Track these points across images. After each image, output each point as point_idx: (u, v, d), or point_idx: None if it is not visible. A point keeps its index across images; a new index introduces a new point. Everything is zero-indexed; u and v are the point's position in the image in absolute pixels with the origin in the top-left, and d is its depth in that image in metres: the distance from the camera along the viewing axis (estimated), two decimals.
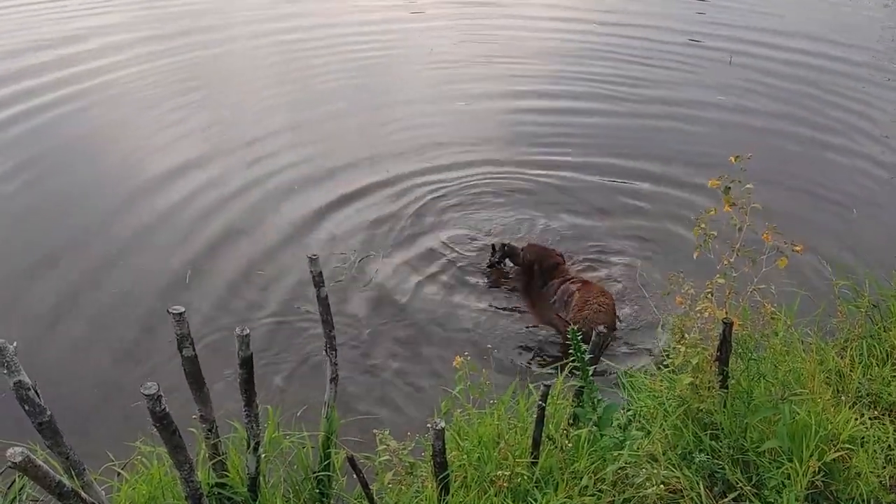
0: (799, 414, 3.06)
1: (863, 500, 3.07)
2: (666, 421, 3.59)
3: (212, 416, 3.11)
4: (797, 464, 3.00)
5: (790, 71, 11.48)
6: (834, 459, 3.09)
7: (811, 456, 2.96)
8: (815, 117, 9.68)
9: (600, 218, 7.20)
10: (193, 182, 7.72)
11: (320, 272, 3.37)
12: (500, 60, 11.89)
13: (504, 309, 5.80)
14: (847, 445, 2.96)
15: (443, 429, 2.70)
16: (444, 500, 2.81)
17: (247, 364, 2.96)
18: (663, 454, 3.46)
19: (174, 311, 2.84)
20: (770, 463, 3.15)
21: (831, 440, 2.97)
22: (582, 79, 11.00)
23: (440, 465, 2.76)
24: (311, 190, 7.59)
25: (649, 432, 3.72)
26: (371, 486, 3.22)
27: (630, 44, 12.68)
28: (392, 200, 7.44)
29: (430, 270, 6.29)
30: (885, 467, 3.30)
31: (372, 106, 10.07)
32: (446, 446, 3.14)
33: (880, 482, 3.22)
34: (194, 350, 2.95)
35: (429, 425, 2.72)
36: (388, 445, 3.20)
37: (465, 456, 3.07)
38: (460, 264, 6.39)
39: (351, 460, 2.65)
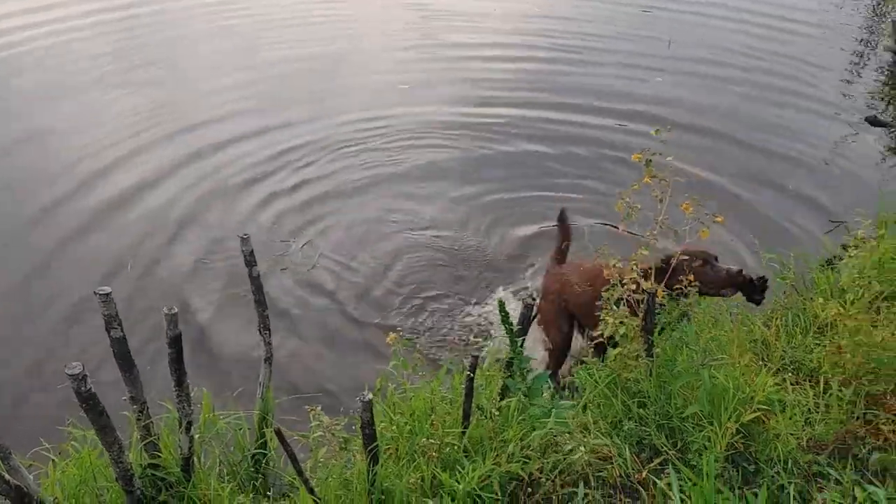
0: (718, 379, 3.16)
1: (780, 460, 3.18)
2: (596, 391, 3.70)
3: (142, 398, 3.11)
4: (717, 427, 3.10)
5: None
6: (753, 421, 3.20)
7: (729, 419, 3.06)
8: (757, 85, 9.84)
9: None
10: (137, 168, 7.62)
11: (251, 251, 3.38)
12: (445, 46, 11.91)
13: (446, 288, 5.87)
14: (763, 407, 3.06)
15: (370, 401, 2.73)
16: (373, 470, 2.85)
17: (175, 343, 2.96)
18: (594, 423, 3.56)
19: (100, 292, 2.84)
20: (693, 427, 3.24)
21: (748, 403, 3.07)
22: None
23: (369, 436, 2.80)
24: (257, 176, 7.56)
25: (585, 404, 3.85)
26: (305, 463, 3.26)
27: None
28: (334, 186, 7.46)
29: (373, 251, 6.34)
30: (804, 429, 3.43)
31: (321, 90, 10.03)
32: (380, 421, 3.20)
33: (798, 443, 3.35)
34: (122, 331, 2.94)
35: (357, 398, 2.76)
36: (321, 421, 3.24)
37: (395, 428, 3.11)
38: (405, 245, 6.44)
39: (278, 433, 2.67)
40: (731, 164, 7.82)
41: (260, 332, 3.57)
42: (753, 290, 4.12)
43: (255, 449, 3.57)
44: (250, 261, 3.38)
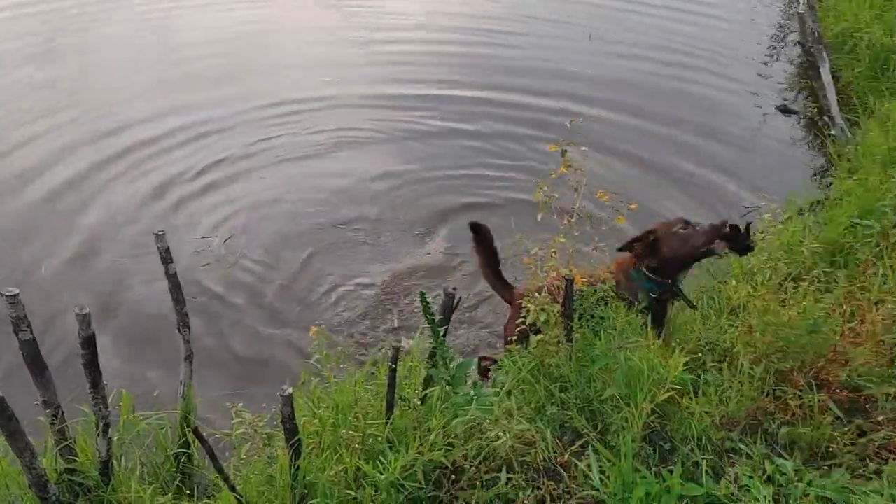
0: (633, 361, 3.25)
1: (694, 438, 3.30)
2: (521, 376, 3.77)
3: (55, 401, 3.03)
4: (634, 408, 3.19)
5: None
6: (669, 402, 3.30)
7: (644, 399, 3.15)
8: (676, 73, 10.09)
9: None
10: (35, 153, 7.41)
11: (167, 248, 3.33)
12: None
13: (369, 279, 5.88)
14: (676, 387, 3.16)
15: (290, 395, 2.73)
16: (295, 465, 2.85)
17: (88, 344, 2.89)
18: (518, 409, 3.62)
19: (7, 294, 2.75)
20: (612, 409, 3.33)
21: (662, 384, 3.17)
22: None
23: (290, 431, 2.79)
24: (173, 172, 7.39)
25: (510, 391, 3.91)
26: (229, 461, 3.24)
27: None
28: (254, 174, 7.39)
29: (296, 243, 6.31)
30: (717, 407, 3.56)
31: (237, 73, 9.85)
32: (303, 415, 3.19)
33: (712, 421, 3.48)
34: (32, 333, 2.86)
35: (278, 393, 2.75)
36: (243, 418, 3.22)
37: (317, 422, 3.11)
38: (328, 233, 6.43)
39: (195, 432, 2.64)
40: (650, 150, 7.96)
41: (179, 331, 3.52)
42: (739, 237, 4.01)
43: (178, 449, 3.52)
44: (166, 258, 3.32)
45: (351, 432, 3.00)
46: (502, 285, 4.48)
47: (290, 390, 2.72)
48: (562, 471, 3.28)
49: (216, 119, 8.37)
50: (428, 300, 3.16)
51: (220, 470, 2.78)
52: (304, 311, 5.45)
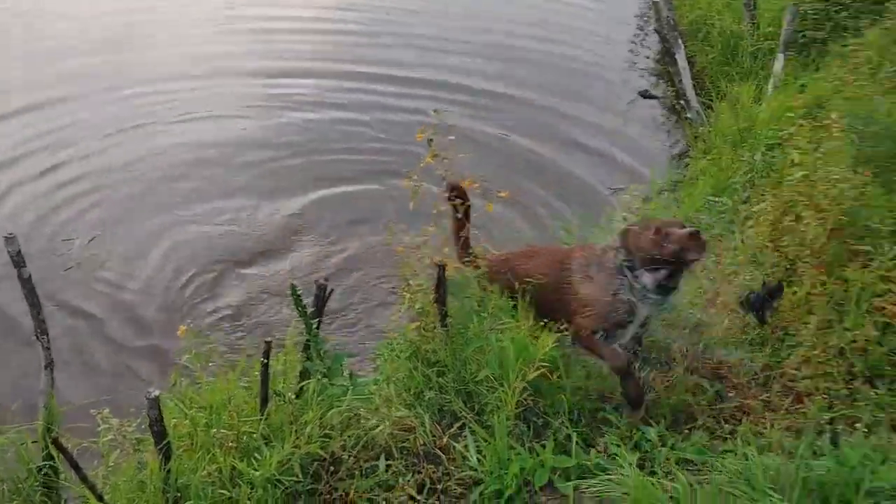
0: (504, 342, 3.34)
1: (566, 412, 3.42)
2: (398, 364, 3.80)
3: None
4: (507, 387, 3.28)
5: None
6: (542, 378, 3.40)
7: (516, 378, 3.24)
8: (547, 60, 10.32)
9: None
10: None
11: (18, 251, 3.16)
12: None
13: (243, 273, 5.77)
14: (545, 365, 3.26)
15: (157, 397, 2.65)
16: (166, 468, 2.77)
17: None
18: (398, 396, 3.65)
19: None
20: (487, 390, 3.40)
21: (532, 363, 3.27)
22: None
23: (158, 433, 2.71)
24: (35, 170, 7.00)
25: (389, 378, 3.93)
26: (98, 469, 3.11)
27: None
28: (122, 169, 7.15)
29: (165, 240, 6.13)
30: (588, 380, 3.70)
31: (112, 63, 9.45)
32: (173, 416, 3.10)
33: (587, 395, 3.63)
34: None
35: (144, 396, 2.66)
36: (110, 425, 3.10)
37: (188, 422, 3.03)
38: (199, 229, 6.27)
39: (56, 442, 2.53)
40: (520, 135, 8.16)
41: (37, 338, 3.35)
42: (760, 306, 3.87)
43: (43, 462, 3.36)
44: (18, 262, 3.15)
45: (224, 431, 2.94)
46: (463, 253, 4.15)
47: (157, 392, 2.65)
48: (441, 454, 3.34)
49: (85, 111, 8.08)
50: (299, 293, 3.13)
51: (84, 479, 2.67)
52: (171, 310, 5.29)
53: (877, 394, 3.39)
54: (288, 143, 7.81)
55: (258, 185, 7.03)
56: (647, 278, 3.39)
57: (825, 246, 3.94)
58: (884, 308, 3.57)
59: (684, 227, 3.36)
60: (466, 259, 4.04)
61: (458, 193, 3.87)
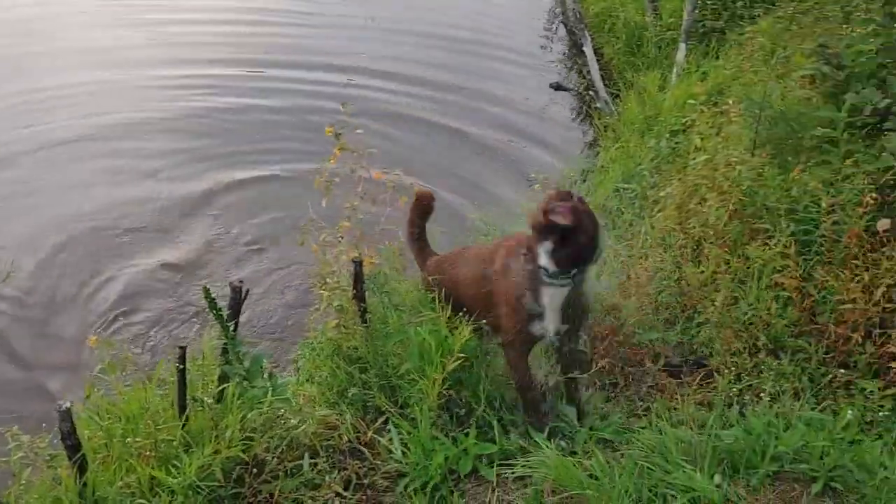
0: (423, 335, 3.36)
1: (488, 396, 3.47)
2: (320, 363, 3.79)
3: None
4: (427, 379, 3.31)
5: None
6: (460, 368, 3.43)
7: (436, 370, 3.28)
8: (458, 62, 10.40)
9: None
10: None
11: None
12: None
13: (151, 278, 5.65)
14: (463, 356, 3.30)
15: (68, 409, 2.58)
16: (81, 481, 2.70)
17: None
18: (321, 395, 3.65)
19: None
20: (408, 383, 3.42)
21: (450, 354, 3.30)
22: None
23: (72, 447, 2.64)
24: None
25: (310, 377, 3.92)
26: (10, 489, 3.00)
27: None
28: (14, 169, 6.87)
29: (66, 246, 5.97)
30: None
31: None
32: (88, 429, 3.02)
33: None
34: None
35: (54, 409, 2.59)
36: (20, 442, 2.99)
37: (104, 433, 2.96)
38: (105, 234, 6.12)
39: None
40: (435, 132, 8.22)
41: None
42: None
43: None
44: None
45: (141, 440, 2.88)
46: (419, 248, 4.06)
47: (68, 404, 2.58)
48: (365, 449, 3.35)
49: None
50: (213, 295, 3.08)
51: None
52: (79, 321, 5.12)
53: (780, 364, 3.56)
54: (200, 133, 7.78)
55: (167, 185, 6.89)
56: (541, 255, 3.15)
57: (728, 226, 4.11)
58: (783, 283, 3.75)
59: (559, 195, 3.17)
60: (413, 246, 4.02)
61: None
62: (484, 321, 3.49)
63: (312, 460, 3.21)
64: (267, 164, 7.23)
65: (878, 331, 3.57)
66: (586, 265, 3.22)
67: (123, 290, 5.49)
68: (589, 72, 8.73)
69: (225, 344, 3.23)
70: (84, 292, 5.48)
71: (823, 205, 3.74)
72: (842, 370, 3.53)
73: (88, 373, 3.54)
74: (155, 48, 9.80)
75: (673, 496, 2.74)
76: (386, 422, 3.43)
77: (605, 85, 8.61)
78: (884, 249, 3.64)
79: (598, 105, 8.29)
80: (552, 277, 3.14)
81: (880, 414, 3.26)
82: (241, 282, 3.27)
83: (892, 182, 3.83)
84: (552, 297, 3.21)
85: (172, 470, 2.82)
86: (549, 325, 3.27)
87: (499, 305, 3.39)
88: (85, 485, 2.72)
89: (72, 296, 5.46)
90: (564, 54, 10.66)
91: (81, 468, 2.68)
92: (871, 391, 3.39)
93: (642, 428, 3.24)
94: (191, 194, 6.73)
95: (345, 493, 3.15)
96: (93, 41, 9.87)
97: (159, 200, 6.63)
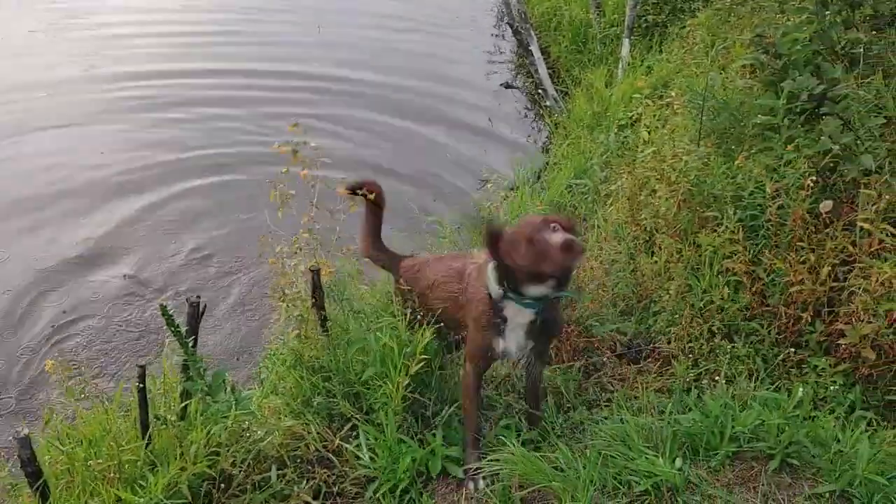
0: (383, 340, 3.38)
1: (449, 401, 3.50)
2: (284, 373, 3.79)
3: None
4: (390, 384, 3.32)
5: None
6: (423, 371, 3.45)
7: (399, 374, 3.30)
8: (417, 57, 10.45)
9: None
10: None
11: None
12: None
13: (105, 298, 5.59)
14: (425, 357, 3.32)
15: (26, 436, 2.54)
16: None
17: None
18: (286, 405, 3.64)
19: None
20: (373, 389, 3.43)
21: (413, 357, 3.32)
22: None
23: (32, 474, 2.60)
24: None
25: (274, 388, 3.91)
26: None
27: None
28: None
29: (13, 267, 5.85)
30: None
31: None
32: (49, 454, 2.98)
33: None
34: None
35: (11, 437, 2.55)
36: None
37: (66, 458, 2.92)
38: (42, 258, 6.02)
39: None
40: (388, 135, 8.26)
41: None
42: None
43: None
44: None
45: (104, 462, 2.85)
46: (381, 252, 3.87)
47: (26, 431, 2.54)
48: (333, 457, 3.35)
49: None
50: (170, 312, 3.06)
51: None
52: (32, 347, 5.02)
53: (734, 348, 3.65)
54: (152, 145, 7.69)
55: (118, 200, 6.83)
56: (532, 290, 2.95)
57: (678, 216, 4.20)
58: (734, 268, 3.84)
59: (549, 223, 2.86)
60: (376, 255, 3.84)
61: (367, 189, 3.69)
62: (453, 331, 3.48)
63: (280, 471, 3.20)
64: (219, 173, 7.17)
65: (826, 309, 3.69)
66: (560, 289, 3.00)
67: (74, 309, 5.42)
68: (537, 70, 8.82)
69: (185, 360, 3.22)
70: (32, 311, 5.38)
71: (768, 190, 3.83)
72: (793, 350, 3.63)
73: (46, 397, 3.48)
74: (104, 62, 9.74)
75: (637, 482, 2.79)
76: (353, 428, 3.43)
77: (554, 83, 8.72)
78: (827, 230, 3.75)
79: (548, 103, 8.39)
80: (518, 301, 3.00)
81: (831, 389, 3.36)
82: (198, 297, 3.26)
83: (831, 165, 3.95)
84: (516, 318, 3.08)
85: (138, 490, 2.80)
86: (511, 344, 3.15)
87: (465, 320, 3.30)
88: None
89: (19, 315, 5.36)
90: (513, 53, 10.76)
91: (43, 495, 2.65)
92: (823, 368, 3.50)
93: (605, 418, 3.30)
94: (142, 205, 6.66)
95: (314, 503, 3.15)
96: (35, 59, 9.69)
97: (111, 213, 6.56)
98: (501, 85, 9.70)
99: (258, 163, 7.03)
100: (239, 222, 6.41)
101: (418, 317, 3.48)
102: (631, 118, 6.07)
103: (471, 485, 3.15)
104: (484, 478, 3.14)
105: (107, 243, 6.20)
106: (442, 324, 3.44)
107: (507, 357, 3.26)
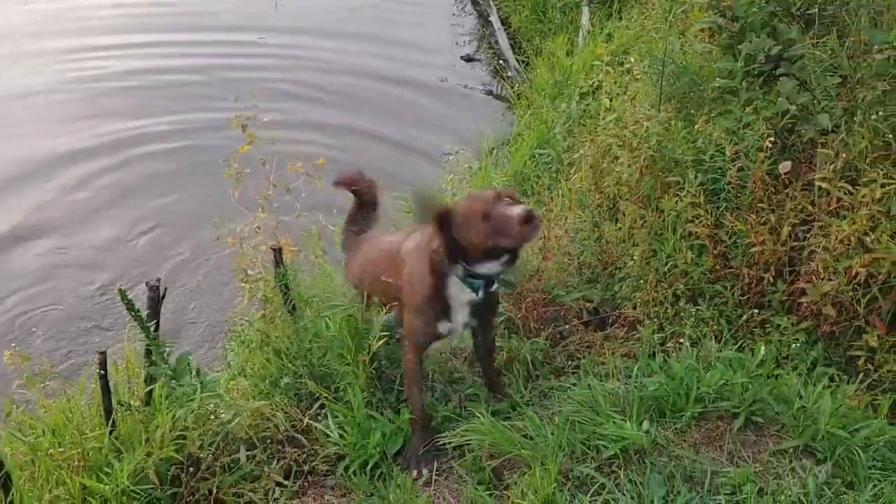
0: (333, 329, 3.35)
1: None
2: (250, 355, 3.75)
3: None
4: (354, 361, 3.31)
5: None
6: (390, 346, 3.44)
7: (361, 351, 3.28)
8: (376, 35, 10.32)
9: None
10: None
11: None
12: None
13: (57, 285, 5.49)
14: (385, 334, 3.29)
15: None
16: (7, 500, 2.62)
17: None
18: (254, 387, 3.61)
19: None
20: (338, 367, 3.41)
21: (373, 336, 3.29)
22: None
23: None
24: None
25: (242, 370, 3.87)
26: None
27: None
28: None
29: None
30: None
31: None
32: (9, 445, 2.93)
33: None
34: None
35: None
36: None
37: (26, 448, 2.88)
38: None
39: None
40: (348, 106, 8.16)
41: None
42: None
43: None
44: None
45: (66, 451, 2.81)
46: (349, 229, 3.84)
47: None
48: (302, 437, 3.34)
49: None
50: (129, 297, 3.01)
51: None
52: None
53: (699, 310, 3.68)
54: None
55: (66, 169, 6.71)
56: (486, 267, 2.90)
57: (640, 182, 4.20)
58: (696, 232, 3.86)
59: (501, 196, 2.82)
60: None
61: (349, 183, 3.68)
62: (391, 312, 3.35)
63: (250, 453, 3.18)
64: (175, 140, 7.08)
65: (787, 269, 3.73)
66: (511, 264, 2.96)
67: (27, 293, 5.32)
68: (497, 41, 8.76)
69: (148, 345, 3.17)
70: None
71: (728, 153, 3.85)
72: (756, 310, 3.67)
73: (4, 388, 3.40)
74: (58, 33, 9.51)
75: (605, 446, 2.81)
76: (321, 407, 3.42)
77: (515, 53, 8.66)
78: (787, 191, 3.78)
79: (510, 74, 8.34)
80: (468, 278, 2.94)
81: (793, 347, 3.41)
82: (158, 280, 3.21)
83: (789, 126, 3.98)
84: (461, 297, 3.02)
85: (104, 477, 2.76)
86: (457, 324, 3.13)
87: (404, 300, 3.21)
88: (12, 503, 2.64)
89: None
90: (474, 26, 10.65)
91: (6, 487, 2.60)
92: (786, 327, 3.55)
93: (572, 385, 3.31)
94: (92, 175, 6.59)
95: (285, 482, 3.14)
96: None
97: (55, 187, 6.46)
98: (462, 58, 9.62)
99: (213, 129, 6.91)
100: (198, 197, 6.29)
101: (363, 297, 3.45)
102: (592, 86, 6.06)
103: (414, 472, 3.12)
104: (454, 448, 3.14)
105: (53, 216, 6.07)
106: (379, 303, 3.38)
107: (452, 335, 3.26)
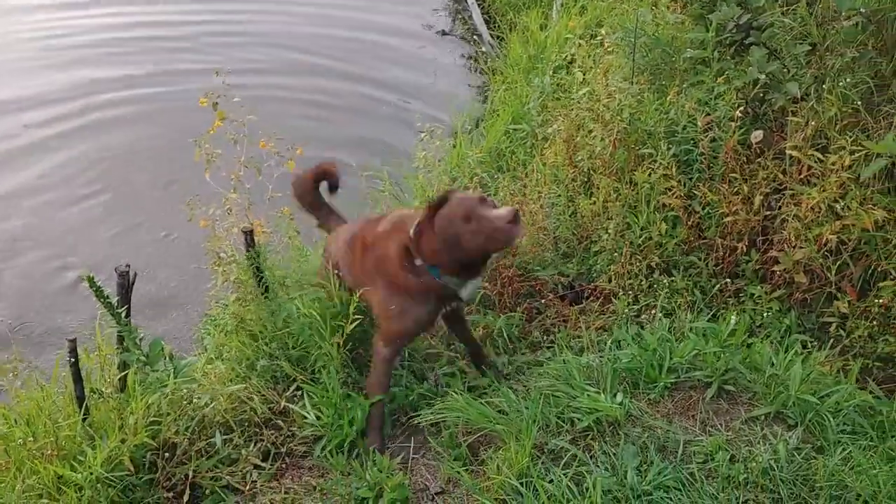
0: (304, 310, 3.34)
1: None
2: (226, 339, 3.73)
3: None
4: (327, 346, 3.29)
5: None
6: (359, 328, 3.41)
7: (335, 333, 3.27)
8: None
9: None
10: None
11: None
12: None
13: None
14: (359, 317, 3.28)
15: None
16: None
17: None
18: (230, 370, 3.59)
19: None
20: (313, 349, 3.39)
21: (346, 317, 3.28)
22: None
23: None
24: None
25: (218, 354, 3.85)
26: None
27: None
28: None
29: None
30: None
31: None
32: None
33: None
34: None
35: None
36: None
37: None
38: None
39: None
40: (326, 85, 8.06)
41: None
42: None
43: None
44: None
45: (39, 440, 2.79)
46: (314, 207, 3.75)
47: None
48: (279, 419, 3.33)
49: None
50: (98, 283, 2.97)
51: None
52: None
53: (672, 281, 3.70)
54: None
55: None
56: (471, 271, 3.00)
57: (614, 155, 4.20)
58: (670, 203, 3.87)
59: (484, 200, 2.86)
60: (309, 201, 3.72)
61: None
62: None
63: (227, 436, 3.17)
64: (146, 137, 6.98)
65: (760, 238, 3.75)
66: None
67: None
68: (471, 16, 8.69)
69: (119, 332, 3.15)
70: None
71: (700, 124, 3.85)
72: (730, 280, 3.70)
73: None
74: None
75: (579, 419, 2.82)
76: (298, 389, 3.40)
77: (490, 28, 8.59)
78: (758, 160, 3.79)
79: (484, 49, 8.28)
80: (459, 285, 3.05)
81: (766, 315, 3.43)
82: (127, 265, 3.18)
83: (760, 95, 3.99)
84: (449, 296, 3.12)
85: (77, 465, 2.75)
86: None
87: (386, 300, 3.14)
88: None
89: None
90: (448, 2, 10.55)
91: None
92: (759, 296, 3.57)
93: (548, 359, 3.32)
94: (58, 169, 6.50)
95: (263, 465, 3.13)
96: None
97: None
98: (437, 33, 9.54)
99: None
100: (167, 178, 6.25)
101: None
102: (566, 59, 6.03)
103: (376, 443, 3.15)
104: (431, 426, 3.15)
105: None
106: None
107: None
